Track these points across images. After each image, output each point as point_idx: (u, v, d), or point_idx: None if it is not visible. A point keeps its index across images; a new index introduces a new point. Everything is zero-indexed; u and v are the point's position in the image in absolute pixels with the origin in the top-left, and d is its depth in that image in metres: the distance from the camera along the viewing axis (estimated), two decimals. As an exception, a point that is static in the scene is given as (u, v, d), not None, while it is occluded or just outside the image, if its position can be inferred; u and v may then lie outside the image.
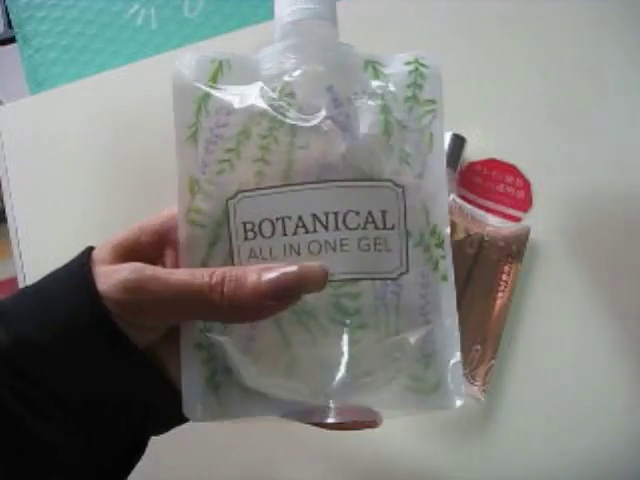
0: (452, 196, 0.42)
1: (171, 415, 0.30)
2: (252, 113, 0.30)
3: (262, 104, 0.30)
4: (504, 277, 0.41)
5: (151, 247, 0.30)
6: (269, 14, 0.37)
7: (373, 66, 0.32)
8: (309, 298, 0.28)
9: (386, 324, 0.29)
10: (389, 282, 0.29)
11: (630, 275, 0.42)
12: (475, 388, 0.38)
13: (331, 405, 0.29)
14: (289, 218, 0.29)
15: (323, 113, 0.29)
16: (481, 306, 0.40)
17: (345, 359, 0.29)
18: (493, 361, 0.39)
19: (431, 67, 0.32)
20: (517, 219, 0.44)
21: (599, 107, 0.46)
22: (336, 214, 0.29)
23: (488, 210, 0.44)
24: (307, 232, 0.29)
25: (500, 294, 0.41)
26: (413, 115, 0.31)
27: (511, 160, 0.45)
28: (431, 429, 0.38)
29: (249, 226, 0.29)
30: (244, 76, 0.31)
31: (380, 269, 0.29)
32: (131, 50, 0.54)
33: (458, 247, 0.41)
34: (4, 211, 0.47)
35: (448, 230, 0.31)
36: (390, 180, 0.30)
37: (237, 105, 0.30)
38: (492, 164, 0.45)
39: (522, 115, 0.46)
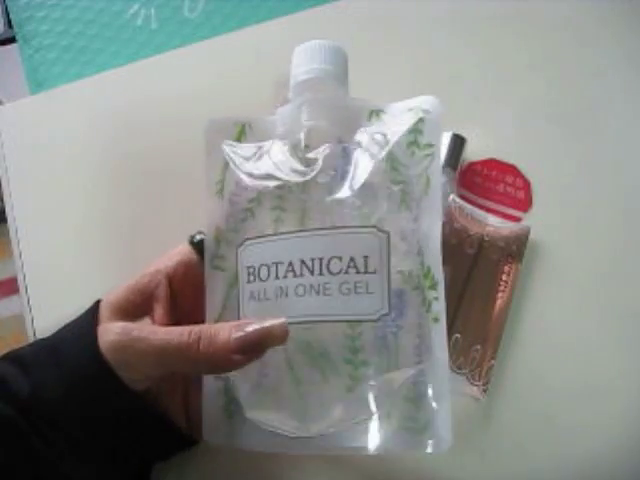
0: (452, 196, 0.42)
1: (171, 446, 0.35)
2: (268, 166, 0.33)
3: (275, 159, 0.33)
4: (504, 277, 0.41)
5: (140, 303, 0.35)
6: (269, 14, 0.37)
7: (377, 114, 0.34)
8: (324, 342, 0.31)
9: (387, 363, 0.31)
10: (389, 322, 0.31)
11: (630, 275, 0.42)
12: (475, 388, 0.38)
13: (322, 441, 0.31)
14: (281, 263, 0.31)
15: (319, 164, 0.32)
16: (481, 306, 0.40)
17: (342, 396, 0.31)
18: (493, 361, 0.39)
19: (431, 112, 0.33)
20: (517, 219, 0.44)
21: (599, 107, 0.46)
22: (321, 260, 0.31)
23: (488, 210, 0.44)
24: (295, 276, 0.31)
25: (500, 294, 0.41)
26: (412, 160, 0.32)
27: (511, 160, 0.45)
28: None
29: (251, 270, 0.32)
30: (262, 135, 0.35)
31: (360, 311, 0.31)
32: (131, 50, 0.54)
33: (458, 247, 0.41)
34: (4, 211, 0.47)
35: (441, 272, 0.32)
36: (374, 226, 0.31)
37: (256, 161, 0.33)
38: (492, 164, 0.45)
39: (522, 115, 0.46)
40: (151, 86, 0.49)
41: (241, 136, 0.35)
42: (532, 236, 0.42)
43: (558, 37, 0.49)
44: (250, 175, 0.33)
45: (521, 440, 0.38)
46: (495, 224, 0.42)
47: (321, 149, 0.32)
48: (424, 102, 0.33)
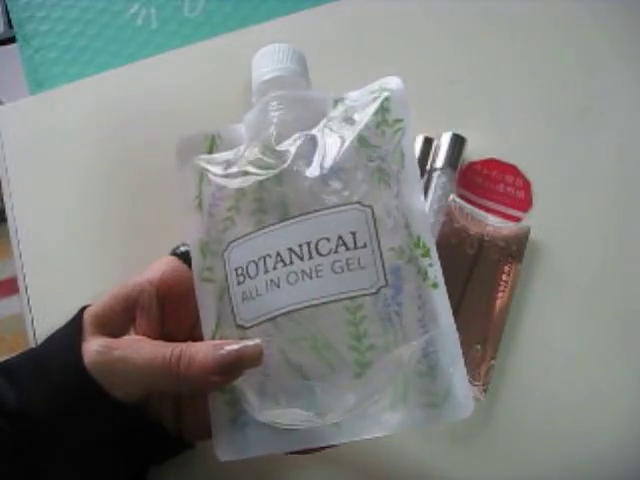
0: (452, 196, 0.42)
1: (164, 452, 0.35)
2: (242, 171, 0.33)
3: (245, 163, 0.33)
4: (504, 277, 0.41)
5: (123, 312, 0.34)
6: (269, 14, 0.37)
7: (341, 101, 0.34)
8: (326, 332, 0.30)
9: (394, 343, 0.30)
10: (390, 302, 0.30)
11: (630, 275, 0.42)
12: (475, 388, 0.38)
13: (343, 429, 0.31)
14: (269, 256, 0.31)
15: (291, 153, 0.32)
16: (481, 306, 0.40)
17: (353, 381, 0.30)
18: (493, 361, 0.39)
19: (395, 90, 0.33)
20: (517, 219, 0.44)
21: (599, 107, 0.46)
22: (309, 244, 0.31)
23: (488, 210, 0.44)
24: (285, 265, 0.31)
25: (500, 294, 0.41)
26: (385, 138, 0.33)
27: (511, 160, 0.45)
28: (431, 429, 0.38)
29: (239, 271, 0.32)
30: (232, 142, 0.35)
31: (357, 287, 0.30)
32: (131, 50, 0.54)
33: (458, 247, 0.41)
34: (4, 211, 0.47)
35: (432, 238, 0.32)
36: (357, 202, 0.31)
37: (229, 169, 0.33)
38: (492, 164, 0.45)
39: (522, 115, 0.46)
40: (151, 86, 0.49)
41: (212, 148, 0.35)
42: (532, 236, 0.42)
43: (558, 37, 0.49)
44: (225, 182, 0.33)
45: (521, 440, 0.38)
46: (495, 224, 0.42)
47: (291, 140, 0.32)
48: (385, 83, 0.33)
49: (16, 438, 0.31)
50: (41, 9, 0.55)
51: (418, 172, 0.33)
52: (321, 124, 0.33)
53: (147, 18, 0.55)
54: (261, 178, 0.32)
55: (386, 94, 0.33)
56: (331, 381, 0.30)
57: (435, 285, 0.31)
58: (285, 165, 0.32)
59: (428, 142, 0.44)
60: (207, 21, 0.54)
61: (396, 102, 0.33)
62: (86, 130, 0.48)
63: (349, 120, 0.33)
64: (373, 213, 0.31)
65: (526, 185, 0.45)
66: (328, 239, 0.30)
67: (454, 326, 0.31)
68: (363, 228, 0.31)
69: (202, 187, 0.34)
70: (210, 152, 0.35)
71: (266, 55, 0.35)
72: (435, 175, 0.43)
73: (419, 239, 0.32)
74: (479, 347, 0.39)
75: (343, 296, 0.30)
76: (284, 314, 0.30)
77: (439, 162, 0.44)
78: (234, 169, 0.33)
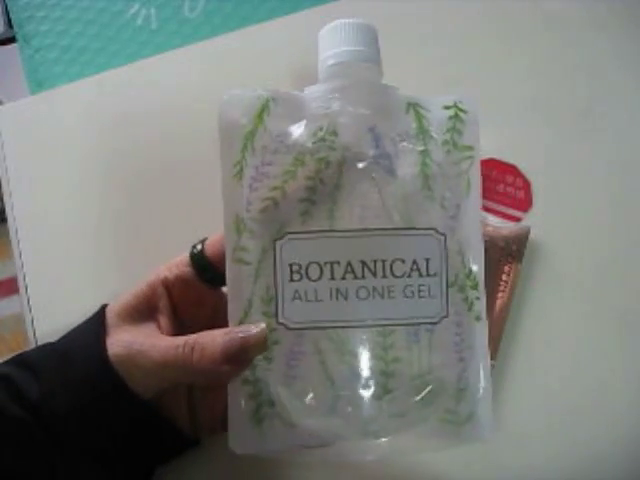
0: (452, 196, 0.42)
1: (175, 449, 0.36)
2: (298, 152, 0.30)
3: (308, 144, 0.30)
4: (504, 277, 0.41)
5: (145, 311, 0.34)
6: (269, 14, 0.37)
7: (415, 108, 0.32)
8: (354, 338, 0.30)
9: (419, 360, 0.30)
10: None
11: (630, 275, 0.42)
12: (475, 388, 0.38)
13: (371, 443, 0.31)
14: (338, 263, 0.30)
15: (368, 154, 0.30)
16: (481, 306, 0.40)
17: (383, 396, 0.30)
18: (493, 361, 0.39)
19: (469, 112, 0.33)
20: (517, 219, 0.44)
21: (599, 107, 0.46)
22: (384, 262, 0.30)
23: (488, 210, 0.44)
24: (356, 278, 0.30)
25: (500, 294, 0.41)
26: (450, 159, 0.32)
27: (511, 160, 0.45)
28: (431, 429, 0.38)
29: (295, 268, 0.30)
30: (289, 114, 0.31)
31: (423, 314, 0.30)
32: (131, 50, 0.54)
33: (458, 247, 0.41)
34: (4, 211, 0.47)
35: (482, 273, 0.32)
36: (433, 228, 0.31)
37: (284, 144, 0.31)
38: (492, 164, 0.45)
39: (522, 115, 0.46)
40: (151, 86, 0.49)
41: (263, 112, 0.31)
42: (532, 236, 0.42)
43: (558, 37, 0.49)
44: (274, 158, 0.31)
45: (521, 440, 0.38)
46: (495, 224, 0.42)
47: (357, 138, 0.30)
48: (461, 102, 0.33)
49: (36, 428, 0.31)
50: (41, 9, 0.55)
51: (480, 205, 0.33)
52: (396, 130, 0.31)
53: (147, 18, 0.55)
54: (319, 166, 0.30)
55: (461, 115, 0.32)
56: (357, 389, 0.30)
57: (478, 318, 0.32)
58: (360, 165, 0.30)
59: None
60: (207, 21, 0.54)
61: (469, 127, 0.32)
62: (86, 130, 0.48)
63: (422, 133, 0.31)
64: (446, 242, 0.31)
65: (526, 185, 0.45)
66: (403, 261, 0.30)
67: (488, 358, 0.32)
68: (436, 256, 0.31)
69: (245, 155, 0.31)
70: (260, 117, 0.31)
71: (337, 32, 0.33)
72: (435, 175, 0.43)
73: (471, 270, 0.32)
74: (479, 347, 0.39)
75: (409, 321, 0.30)
76: (345, 327, 0.30)
77: (439, 162, 0.44)
78: (288, 146, 0.31)
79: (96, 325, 0.33)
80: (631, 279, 0.42)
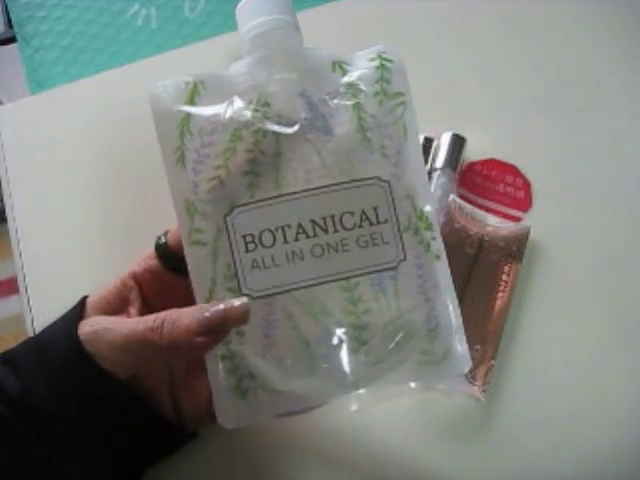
0: (452, 196, 0.42)
1: (165, 441, 0.35)
2: (234, 129, 0.31)
3: (243, 118, 0.31)
4: (504, 277, 0.41)
5: (116, 306, 0.35)
6: (269, 14, 0.36)
7: (340, 66, 0.33)
8: (322, 298, 0.30)
9: (388, 307, 0.31)
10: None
11: (630, 275, 0.42)
12: (475, 388, 0.38)
13: (355, 394, 0.32)
14: (289, 226, 0.31)
15: (302, 118, 0.31)
16: (481, 306, 0.40)
17: (359, 348, 0.31)
18: (493, 361, 0.39)
19: (395, 61, 0.33)
20: (517, 219, 0.44)
21: (599, 106, 0.46)
22: (333, 217, 0.31)
23: (488, 210, 0.44)
24: (308, 237, 0.31)
25: (500, 294, 0.41)
26: (384, 109, 0.32)
27: (511, 160, 0.45)
28: (431, 429, 0.38)
29: (249, 238, 0.31)
30: (220, 93, 0.32)
31: (380, 261, 0.31)
32: (131, 50, 0.54)
33: (458, 247, 0.41)
34: (4, 211, 0.47)
35: (433, 212, 0.33)
36: (376, 177, 0.31)
37: (219, 123, 0.31)
38: (492, 164, 0.45)
39: (522, 115, 0.46)
40: (151, 86, 0.49)
41: (194, 96, 0.32)
42: (532, 236, 0.42)
43: (558, 37, 0.49)
44: (212, 139, 0.31)
45: (521, 440, 0.38)
46: (495, 224, 0.42)
47: (288, 104, 0.31)
48: (385, 51, 0.33)
49: (17, 424, 0.31)
50: (41, 9, 0.55)
51: (420, 147, 0.33)
52: (325, 90, 0.32)
53: (147, 18, 0.55)
54: (256, 138, 0.31)
55: (387, 64, 0.33)
56: (332, 346, 0.31)
57: (438, 257, 0.33)
58: (284, 130, 0.31)
59: (428, 142, 0.44)
60: (207, 21, 0.54)
61: (397, 74, 0.33)
62: (86, 130, 0.48)
63: (351, 88, 0.32)
64: (390, 187, 0.31)
65: (526, 185, 0.45)
66: (352, 213, 0.31)
67: (454, 294, 0.33)
68: (384, 203, 0.31)
69: (184, 140, 0.32)
70: (192, 101, 0.32)
71: (249, 5, 0.33)
72: (435, 175, 0.43)
73: (422, 212, 0.32)
74: (479, 347, 0.39)
75: (368, 270, 0.31)
76: (308, 287, 0.30)
77: (439, 162, 0.44)
78: (224, 124, 0.31)
79: (73, 314, 0.34)
80: (631, 279, 0.42)
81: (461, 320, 0.33)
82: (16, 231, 0.46)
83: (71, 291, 0.42)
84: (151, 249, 0.36)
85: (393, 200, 0.31)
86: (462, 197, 0.44)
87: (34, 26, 0.55)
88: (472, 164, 0.45)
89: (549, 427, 0.39)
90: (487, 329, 0.40)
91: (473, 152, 0.45)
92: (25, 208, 0.47)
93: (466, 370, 0.32)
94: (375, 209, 0.31)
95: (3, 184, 0.48)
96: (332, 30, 0.49)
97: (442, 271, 0.33)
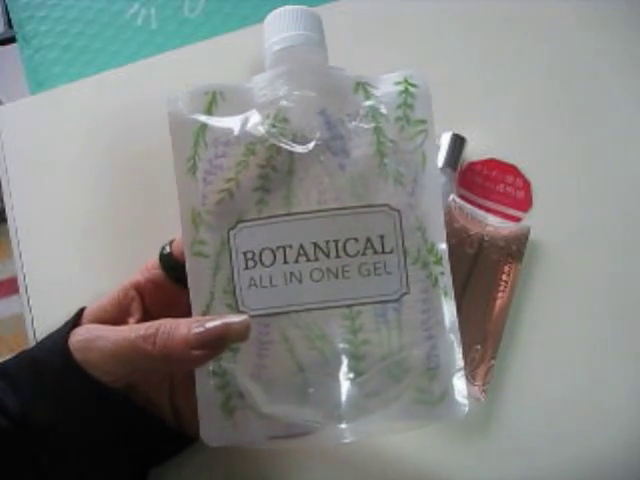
0: (452, 196, 0.42)
1: (165, 445, 0.35)
2: (249, 142, 0.30)
3: (258, 133, 0.30)
4: (504, 277, 0.41)
5: (116, 316, 0.34)
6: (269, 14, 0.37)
7: (364, 87, 0.32)
8: (321, 323, 0.30)
9: (389, 340, 0.30)
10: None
11: (630, 275, 0.42)
12: (475, 388, 0.38)
13: (345, 427, 0.30)
14: (290, 247, 0.30)
15: (317, 137, 0.30)
16: (481, 306, 0.40)
17: (354, 379, 0.30)
18: (493, 361, 0.39)
19: (420, 86, 0.32)
20: (517, 219, 0.44)
21: (599, 107, 0.46)
22: (336, 242, 0.30)
23: (488, 210, 0.44)
24: (309, 260, 0.30)
25: (500, 294, 0.41)
26: (404, 135, 0.31)
27: (511, 160, 0.45)
28: (431, 429, 0.38)
29: (249, 255, 0.30)
30: (238, 105, 0.31)
31: (381, 292, 0.30)
32: (131, 50, 0.54)
33: (458, 247, 0.41)
34: (4, 211, 0.47)
35: (445, 248, 0.32)
36: (386, 205, 0.30)
37: (234, 135, 0.31)
38: (492, 164, 0.45)
39: (522, 115, 0.46)
40: (151, 86, 0.49)
41: (212, 106, 0.31)
42: (532, 236, 0.42)
43: (558, 37, 0.49)
44: (226, 150, 0.30)
45: (521, 440, 0.38)
46: (495, 224, 0.42)
47: (306, 122, 0.30)
48: (411, 76, 0.32)
49: (21, 440, 0.31)
50: (41, 9, 0.55)
51: (438, 179, 0.32)
52: (345, 110, 0.31)
53: (147, 18, 0.55)
54: (270, 154, 0.30)
55: (412, 90, 0.32)
56: (328, 376, 0.30)
57: (445, 293, 0.32)
58: (303, 148, 0.30)
59: (428, 142, 0.44)
60: (207, 21, 0.54)
61: (420, 100, 0.32)
62: (86, 130, 0.48)
63: (372, 111, 0.31)
64: (400, 217, 0.30)
65: (526, 185, 0.45)
66: (356, 240, 0.30)
67: (459, 334, 0.31)
68: (391, 232, 0.30)
69: (197, 150, 0.31)
70: (209, 111, 0.31)
71: (282, 18, 0.33)
72: (435, 175, 0.43)
73: (433, 245, 0.31)
74: (479, 347, 0.39)
75: (368, 300, 0.30)
76: (304, 310, 0.30)
77: (439, 162, 0.44)
78: (238, 137, 0.30)
79: (68, 323, 0.33)
80: (631, 279, 0.42)
81: (463, 364, 0.31)
82: (16, 231, 0.46)
83: (71, 291, 0.42)
84: (155, 258, 0.35)
85: (402, 230, 0.30)
86: (462, 197, 0.44)
87: (34, 26, 0.55)
88: (472, 164, 0.45)
89: (549, 427, 0.39)
90: (487, 329, 0.40)
91: (473, 152, 0.45)
92: (25, 208, 0.47)
93: (462, 416, 0.31)
94: (381, 237, 0.30)
95: (3, 184, 0.48)
96: (332, 30, 0.49)
97: (448, 308, 0.31)
